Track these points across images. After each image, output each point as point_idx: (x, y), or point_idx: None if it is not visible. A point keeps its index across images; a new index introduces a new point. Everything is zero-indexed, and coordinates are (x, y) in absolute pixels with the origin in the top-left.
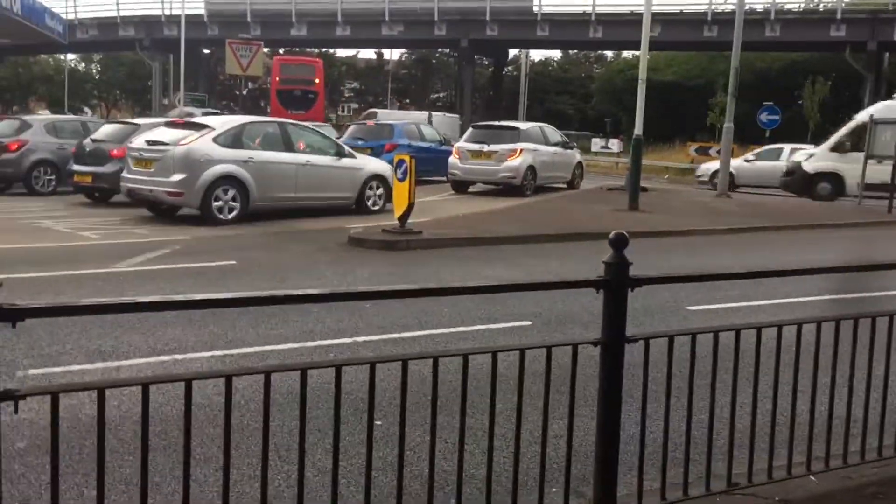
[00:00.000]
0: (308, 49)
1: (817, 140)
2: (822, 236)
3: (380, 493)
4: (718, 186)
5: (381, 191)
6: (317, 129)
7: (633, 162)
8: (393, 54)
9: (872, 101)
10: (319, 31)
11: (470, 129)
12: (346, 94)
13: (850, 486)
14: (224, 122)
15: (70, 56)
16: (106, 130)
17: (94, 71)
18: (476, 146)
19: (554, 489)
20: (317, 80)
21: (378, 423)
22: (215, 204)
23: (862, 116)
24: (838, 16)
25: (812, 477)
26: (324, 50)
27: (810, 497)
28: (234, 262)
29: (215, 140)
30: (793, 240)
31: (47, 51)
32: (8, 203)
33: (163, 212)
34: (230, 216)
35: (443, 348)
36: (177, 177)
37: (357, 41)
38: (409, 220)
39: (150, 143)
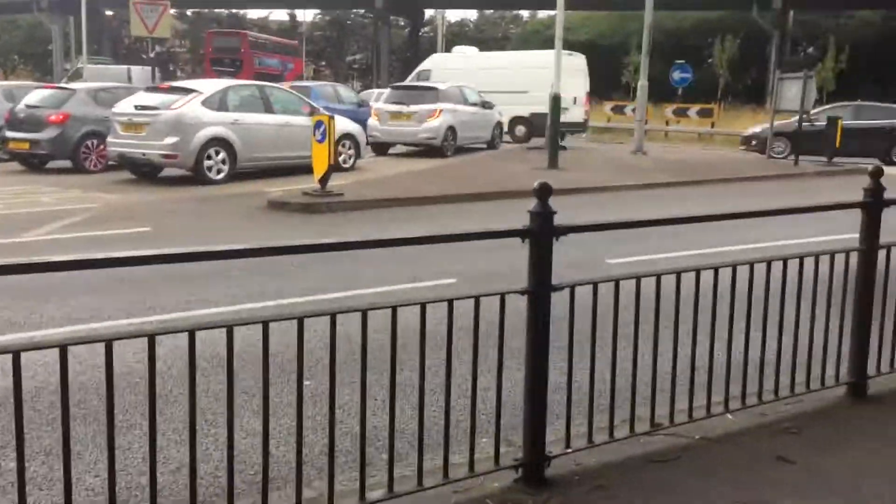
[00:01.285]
0: (217, 10)
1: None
2: (734, 189)
3: (310, 451)
4: (634, 145)
5: (351, 150)
6: (291, 91)
7: (552, 121)
8: (306, 16)
9: (780, 58)
10: None
11: (388, 90)
12: None
13: (765, 423)
14: (210, 86)
15: None
16: (39, 95)
17: None
18: (395, 107)
19: (484, 439)
20: (242, 50)
21: (307, 382)
22: (206, 164)
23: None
24: None
25: (730, 415)
26: (234, 11)
27: (728, 434)
28: (148, 228)
29: (204, 103)
30: (707, 194)
31: None
32: None
33: (145, 175)
34: (219, 176)
35: None
36: (170, 139)
37: (269, 1)
38: (330, 183)
39: (138, 107)
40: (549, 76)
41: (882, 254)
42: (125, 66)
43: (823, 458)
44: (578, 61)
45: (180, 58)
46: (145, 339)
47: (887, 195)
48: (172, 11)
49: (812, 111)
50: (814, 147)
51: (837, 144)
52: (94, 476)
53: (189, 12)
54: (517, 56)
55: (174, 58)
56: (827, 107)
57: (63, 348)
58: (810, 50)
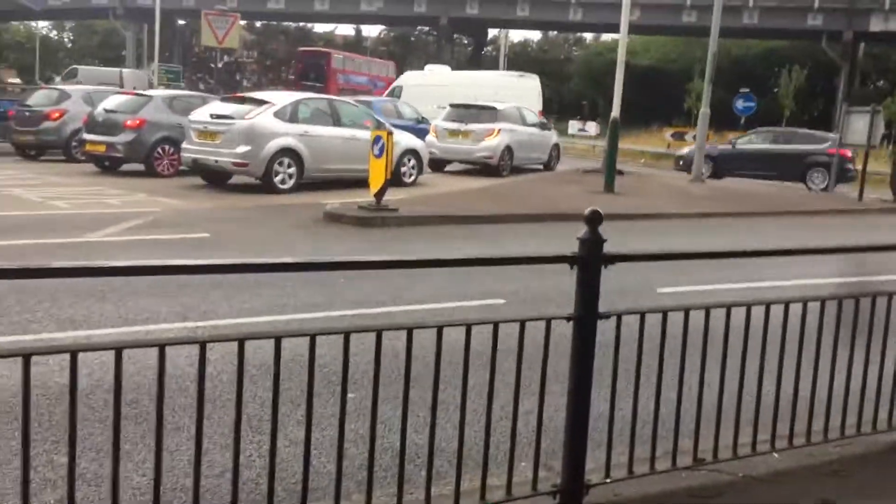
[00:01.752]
0: (285, 23)
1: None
2: (792, 223)
3: (350, 464)
4: (693, 172)
5: (413, 163)
6: (358, 104)
7: (610, 144)
8: (372, 31)
9: (848, 90)
10: (297, 5)
11: (448, 108)
12: None
13: (812, 464)
14: (282, 98)
15: (42, 23)
16: (117, 101)
17: (66, 39)
18: (454, 125)
19: (523, 463)
20: (326, 67)
21: (351, 395)
22: (275, 173)
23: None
24: (815, 5)
25: (776, 454)
26: (301, 25)
27: (773, 473)
28: (206, 234)
29: (276, 115)
30: (764, 227)
31: (19, 17)
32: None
33: (214, 181)
34: (287, 186)
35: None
36: (242, 148)
37: (335, 16)
38: (386, 197)
39: (214, 116)
40: (506, 95)
41: None
42: (117, 69)
43: (869, 502)
44: (532, 83)
45: (247, 67)
46: (197, 345)
47: None
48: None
49: (736, 138)
50: (735, 169)
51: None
52: (142, 475)
53: (258, 24)
54: (481, 76)
55: (241, 67)
56: (750, 133)
57: (118, 350)
58: (880, 83)
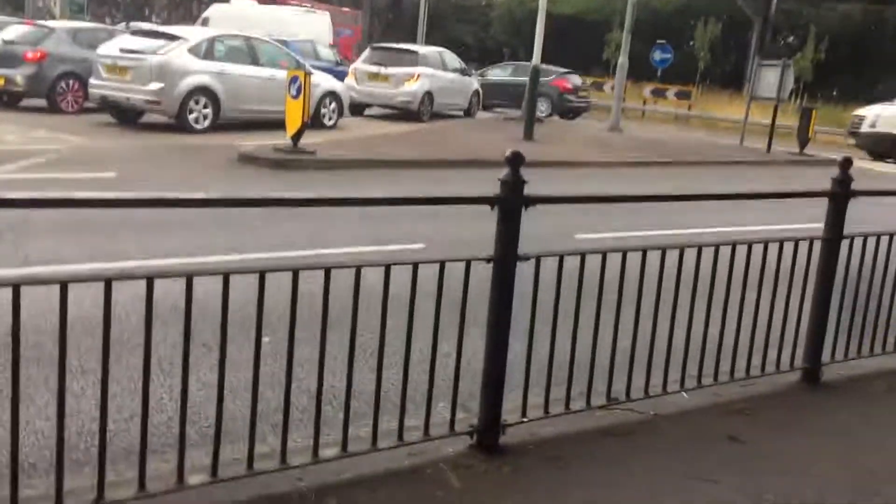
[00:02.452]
0: None
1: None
2: (707, 172)
3: (266, 406)
4: (611, 121)
5: (333, 106)
6: (277, 44)
7: (530, 92)
8: None
9: (760, 45)
10: None
11: (368, 50)
12: None
13: (719, 403)
14: (196, 34)
15: None
16: (17, 31)
17: None
18: (374, 68)
19: (441, 404)
20: None
21: (266, 339)
22: (189, 112)
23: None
24: None
25: (685, 394)
26: None
27: (682, 412)
28: (112, 174)
29: (190, 51)
30: (680, 175)
31: None
32: None
33: (124, 119)
34: (202, 126)
35: None
36: (155, 85)
37: None
38: (304, 140)
39: (124, 50)
40: (299, 30)
41: (845, 244)
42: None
43: (773, 440)
44: (322, 18)
45: (155, 3)
46: (102, 284)
47: (855, 186)
48: None
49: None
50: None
51: (810, 134)
52: (45, 420)
53: None
54: (275, 10)
55: (149, 2)
56: (496, 66)
57: (16, 288)
58: (791, 39)
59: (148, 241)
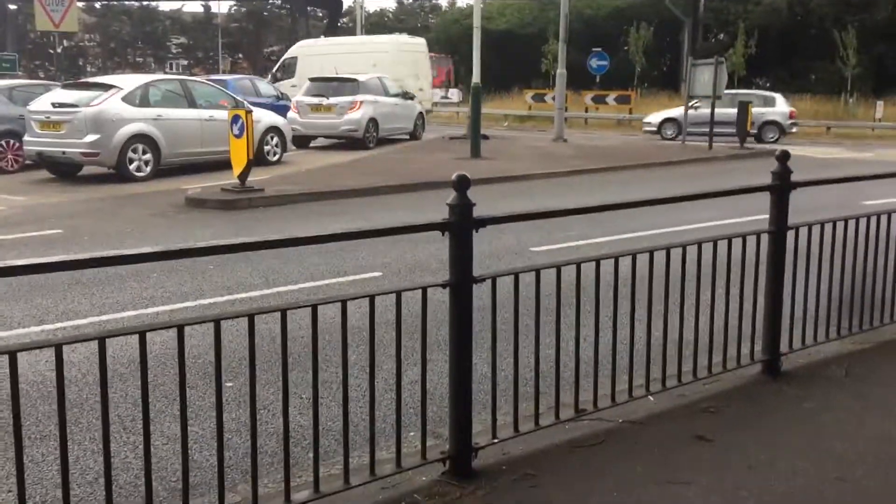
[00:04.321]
0: (128, 2)
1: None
2: (652, 175)
3: (234, 454)
4: (555, 131)
5: (276, 141)
6: (213, 84)
7: (473, 110)
8: (221, 7)
9: (692, 45)
10: None
11: (308, 83)
12: (174, 51)
13: (685, 403)
14: (130, 82)
15: None
16: None
17: None
18: (315, 100)
19: (412, 433)
20: None
21: (229, 384)
22: (129, 161)
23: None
24: None
25: (651, 398)
26: (145, 3)
27: (650, 416)
28: (59, 231)
29: (124, 99)
30: (627, 179)
31: None
32: None
33: (64, 174)
34: (143, 173)
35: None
36: (91, 137)
37: None
38: (250, 178)
39: (56, 105)
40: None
41: (791, 234)
42: None
43: (739, 435)
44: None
45: (90, 52)
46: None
47: (794, 177)
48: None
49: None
50: None
51: (748, 127)
52: (7, 491)
53: (98, 5)
54: (364, 40)
55: (84, 52)
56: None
57: None
58: (721, 36)
59: (100, 297)
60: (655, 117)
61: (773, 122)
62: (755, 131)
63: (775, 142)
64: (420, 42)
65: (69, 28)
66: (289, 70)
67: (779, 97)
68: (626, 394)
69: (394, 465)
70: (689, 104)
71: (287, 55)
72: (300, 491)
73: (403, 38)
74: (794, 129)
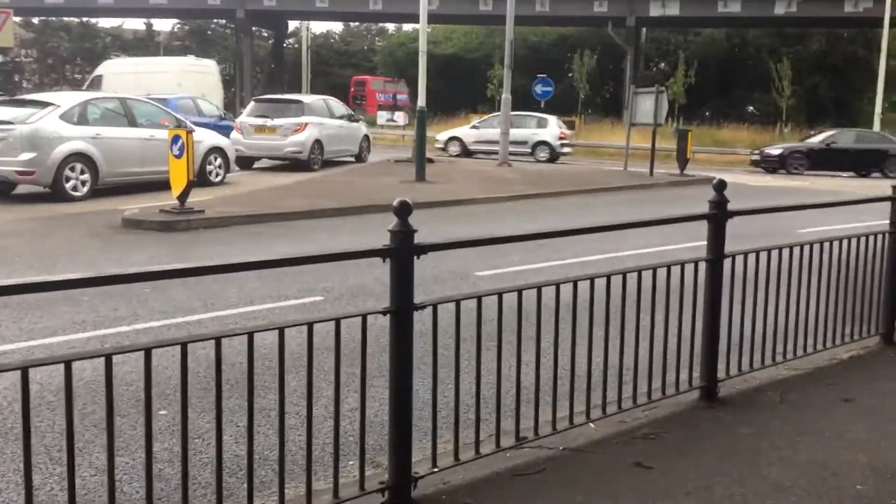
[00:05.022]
0: (67, 18)
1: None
2: (595, 200)
3: (166, 486)
4: (500, 157)
5: (219, 162)
6: (154, 103)
7: (419, 134)
8: (164, 25)
9: (634, 73)
10: None
11: (252, 103)
12: None
13: (625, 430)
14: (68, 99)
15: None
16: None
17: None
18: (259, 121)
19: (351, 462)
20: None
21: (163, 412)
22: (66, 180)
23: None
24: None
25: (592, 425)
26: (86, 19)
27: (590, 443)
28: None
29: (62, 117)
30: (569, 204)
31: None
32: None
33: None
34: (80, 193)
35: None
36: (26, 156)
37: (121, 10)
38: (190, 199)
39: None
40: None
41: (728, 262)
42: None
43: (678, 462)
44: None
45: (26, 68)
46: None
47: (731, 206)
48: (17, 19)
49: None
50: None
51: (688, 155)
52: None
53: (36, 20)
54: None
55: (20, 68)
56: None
57: None
58: (662, 65)
59: (28, 322)
60: (443, 135)
61: (545, 143)
62: (529, 150)
63: (548, 161)
64: (209, 63)
65: (5, 43)
66: (95, 87)
67: (552, 119)
68: (567, 420)
69: (331, 497)
70: (471, 125)
71: (95, 73)
72: None
73: (190, 60)
74: (564, 150)
